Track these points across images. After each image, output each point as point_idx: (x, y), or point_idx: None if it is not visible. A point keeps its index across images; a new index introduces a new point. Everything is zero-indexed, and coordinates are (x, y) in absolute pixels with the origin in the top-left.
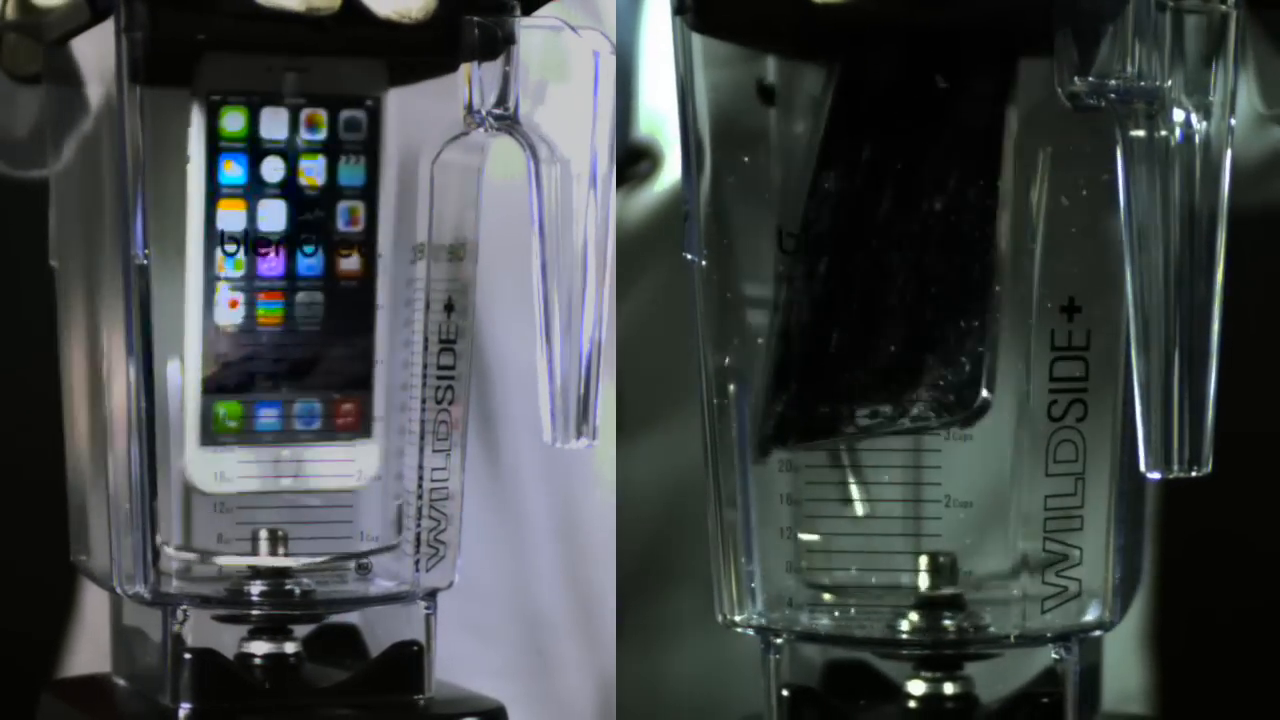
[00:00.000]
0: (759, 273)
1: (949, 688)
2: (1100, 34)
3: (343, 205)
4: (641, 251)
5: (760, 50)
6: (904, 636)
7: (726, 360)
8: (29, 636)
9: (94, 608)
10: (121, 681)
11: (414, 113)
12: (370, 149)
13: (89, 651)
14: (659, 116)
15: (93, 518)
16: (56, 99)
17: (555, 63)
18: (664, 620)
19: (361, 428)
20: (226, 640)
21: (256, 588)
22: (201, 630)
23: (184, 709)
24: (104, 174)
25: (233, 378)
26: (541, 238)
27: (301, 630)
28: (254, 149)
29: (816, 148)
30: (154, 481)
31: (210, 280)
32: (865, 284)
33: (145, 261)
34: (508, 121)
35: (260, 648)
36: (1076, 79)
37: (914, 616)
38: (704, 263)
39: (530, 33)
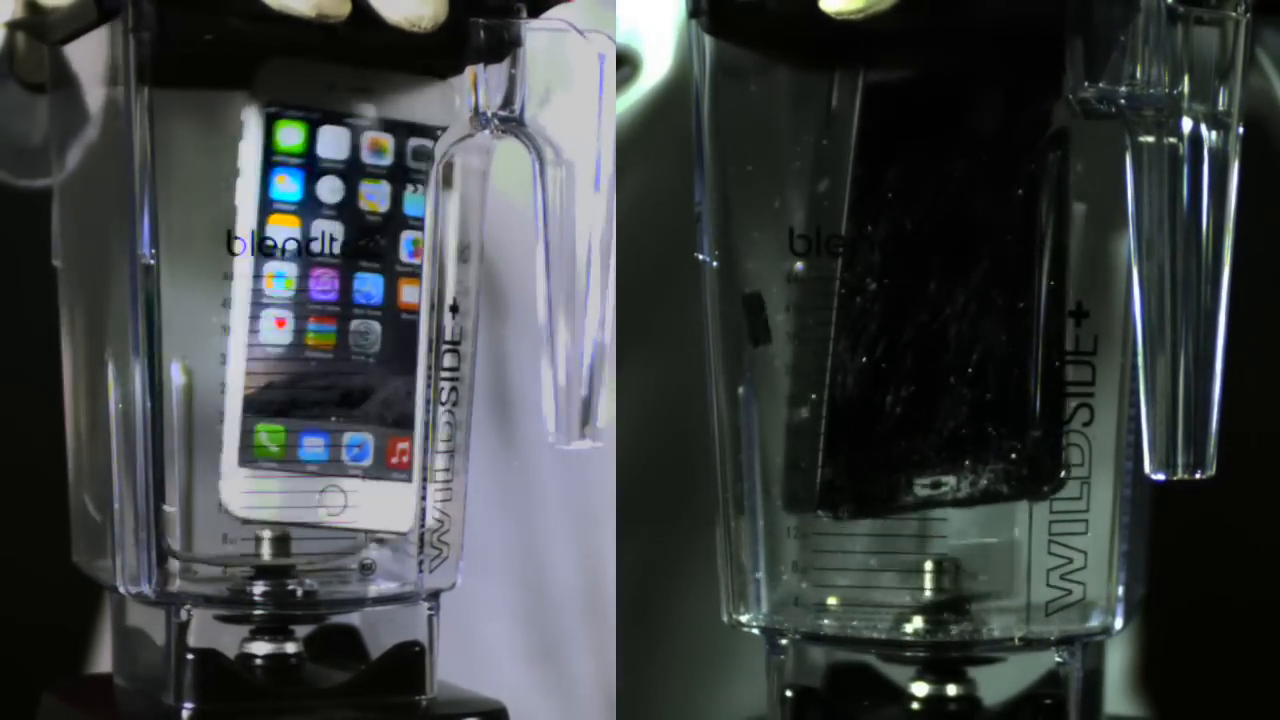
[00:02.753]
0: (770, 274)
1: (952, 690)
2: (1111, 41)
3: (408, 235)
4: (624, 154)
5: (774, 55)
6: (908, 639)
7: (736, 360)
8: (40, 637)
9: None
10: (122, 682)
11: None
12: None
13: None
14: (636, 23)
15: (94, 518)
16: (61, 100)
17: (560, 65)
18: (667, 620)
19: (410, 469)
20: (227, 641)
21: (259, 588)
22: (203, 630)
23: (186, 709)
24: (109, 174)
25: (276, 401)
26: (546, 239)
27: (302, 630)
28: (311, 166)
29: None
30: (160, 482)
31: (257, 298)
32: (925, 342)
33: (152, 262)
34: (513, 124)
35: (261, 648)
36: (1087, 85)
37: (918, 619)
38: (715, 264)
39: (535, 35)
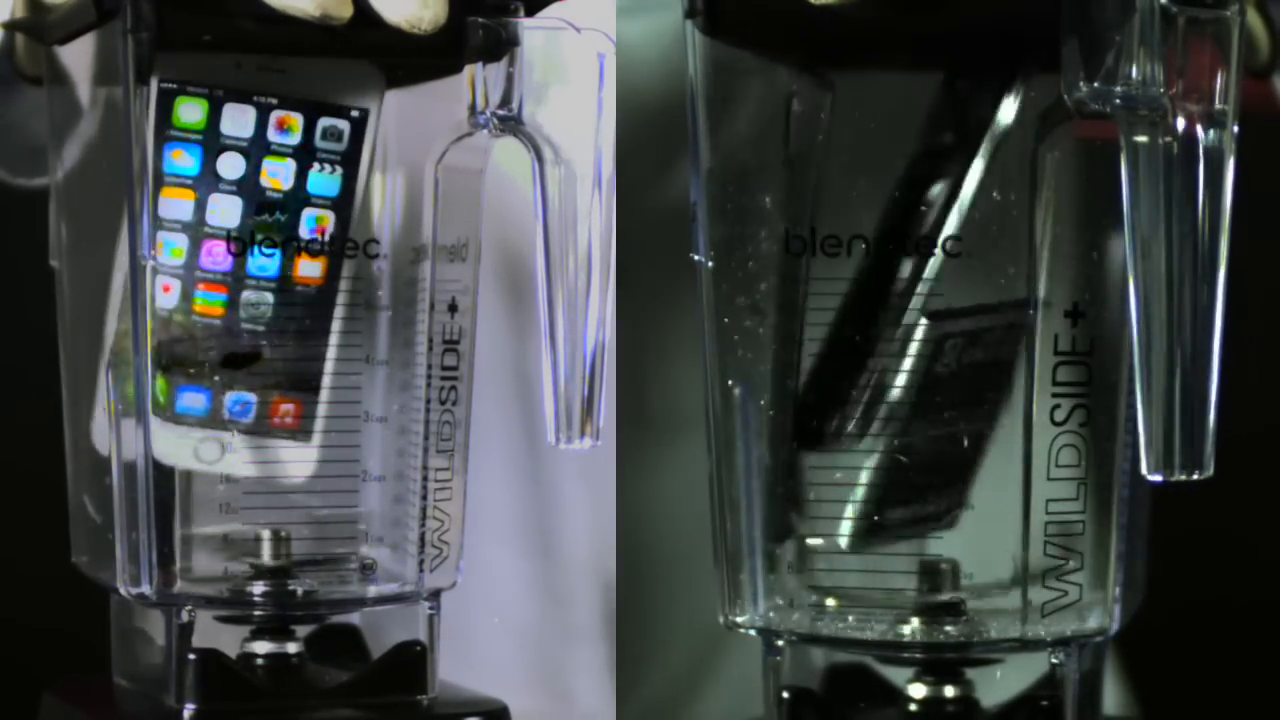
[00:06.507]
0: (766, 275)
1: (949, 691)
2: (1107, 41)
3: (309, 213)
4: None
5: (771, 56)
6: (906, 640)
7: (732, 361)
8: (42, 638)
9: None
10: (123, 682)
11: (417, 114)
12: (349, 159)
13: None
14: None
15: (94, 519)
16: (59, 99)
17: (558, 63)
18: (665, 621)
19: (301, 430)
20: (227, 641)
21: (259, 588)
22: (204, 631)
23: (188, 709)
24: (106, 174)
25: (163, 357)
26: (545, 238)
27: (303, 630)
28: (211, 143)
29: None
30: (160, 483)
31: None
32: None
33: (152, 262)
34: (512, 123)
35: (262, 648)
36: (1082, 85)
37: (915, 621)
38: (710, 264)
39: (533, 33)
